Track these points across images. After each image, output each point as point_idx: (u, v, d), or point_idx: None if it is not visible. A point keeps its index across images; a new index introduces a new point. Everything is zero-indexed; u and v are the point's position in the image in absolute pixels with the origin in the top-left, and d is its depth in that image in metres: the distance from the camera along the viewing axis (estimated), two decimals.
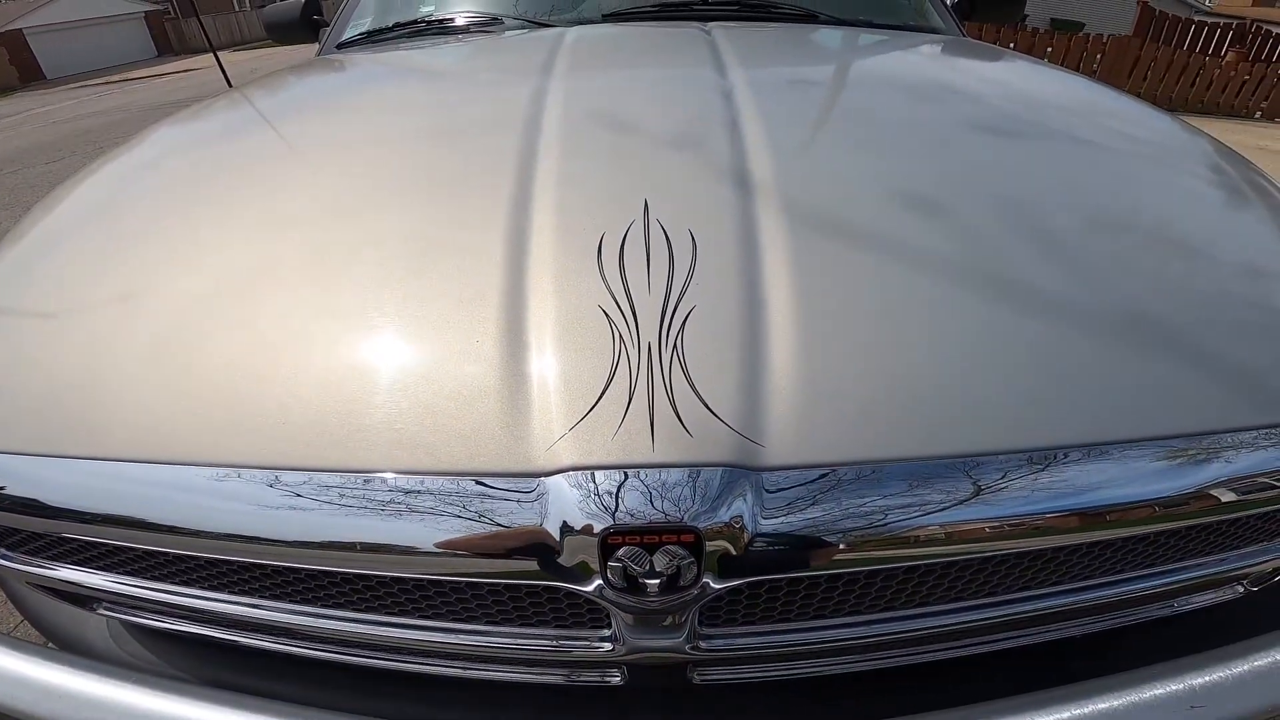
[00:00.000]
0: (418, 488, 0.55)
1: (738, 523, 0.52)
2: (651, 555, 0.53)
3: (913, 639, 0.66)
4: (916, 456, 0.55)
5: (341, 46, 1.68)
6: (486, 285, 0.65)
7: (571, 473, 0.53)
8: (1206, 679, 0.55)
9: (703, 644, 0.61)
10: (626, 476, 0.52)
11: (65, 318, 0.75)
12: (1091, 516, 0.58)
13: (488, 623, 0.64)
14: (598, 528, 0.52)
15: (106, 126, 10.54)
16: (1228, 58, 7.88)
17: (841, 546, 0.54)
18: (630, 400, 0.54)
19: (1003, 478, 0.56)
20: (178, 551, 0.64)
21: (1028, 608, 0.66)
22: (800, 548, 0.55)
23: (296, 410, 0.60)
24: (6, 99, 19.97)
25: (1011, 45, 7.44)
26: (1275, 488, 0.62)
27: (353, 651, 0.70)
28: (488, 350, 0.60)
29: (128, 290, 0.76)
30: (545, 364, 0.58)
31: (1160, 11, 9.16)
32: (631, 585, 0.54)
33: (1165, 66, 7.39)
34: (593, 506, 0.52)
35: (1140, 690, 0.55)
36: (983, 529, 0.57)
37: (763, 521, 0.53)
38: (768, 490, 0.54)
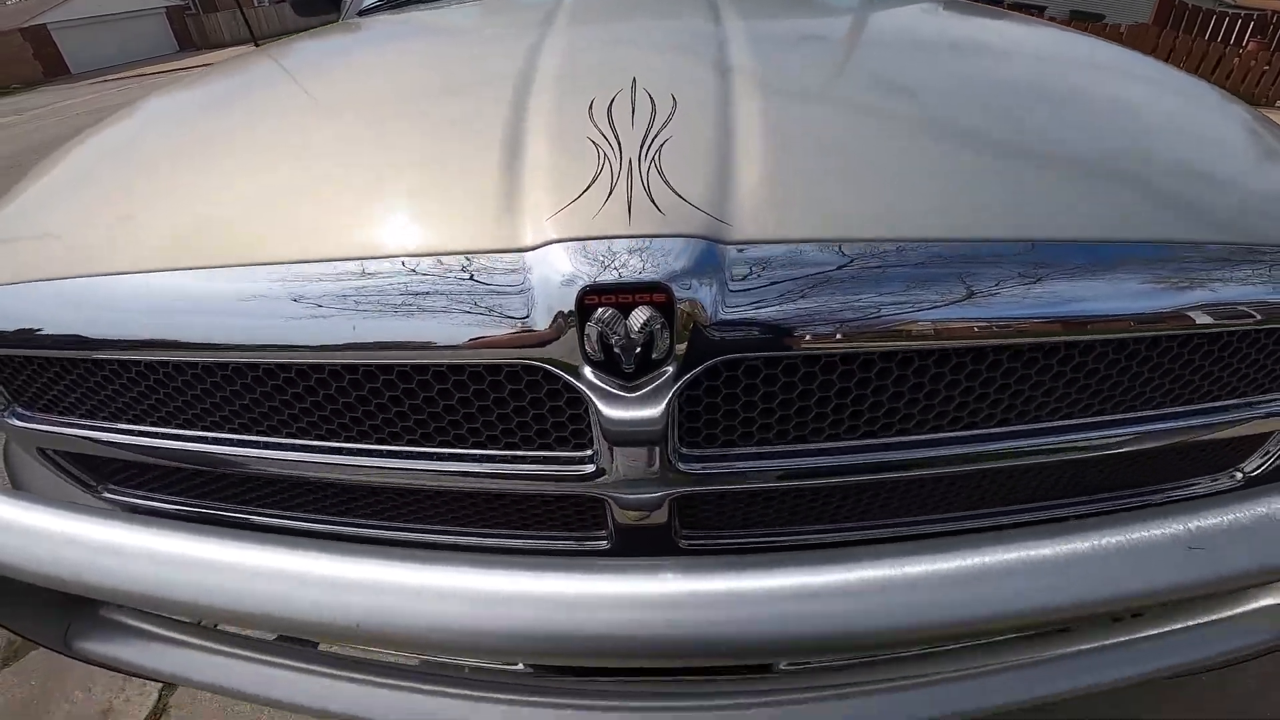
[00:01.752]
0: (428, 268, 0.60)
1: (706, 284, 0.56)
2: (626, 317, 0.55)
3: (894, 467, 0.66)
4: (865, 239, 0.59)
5: (362, 14, 1.68)
6: (490, 122, 0.73)
7: (554, 244, 0.58)
8: (1206, 522, 0.55)
9: (681, 465, 0.64)
10: (604, 245, 0.57)
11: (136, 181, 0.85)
12: (1050, 312, 0.59)
13: (474, 446, 0.67)
14: (577, 287, 0.55)
15: None
16: (1248, 47, 7.73)
17: (805, 321, 0.57)
18: (610, 193, 0.59)
19: (945, 265, 0.59)
20: (195, 386, 0.70)
21: (1015, 443, 0.67)
22: (766, 322, 0.57)
23: (317, 210, 0.69)
24: (32, 92, 20.19)
25: None
26: (1248, 315, 0.63)
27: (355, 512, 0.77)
28: (487, 161, 0.67)
29: (173, 149, 0.91)
30: (538, 171, 0.64)
31: (1180, 1, 8.97)
32: (609, 360, 0.57)
33: (1184, 55, 7.25)
34: (572, 268, 0.56)
35: (1141, 529, 0.55)
36: (934, 316, 0.59)
37: (730, 290, 0.57)
38: (734, 261, 0.57)
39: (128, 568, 0.62)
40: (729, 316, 0.57)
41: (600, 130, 0.67)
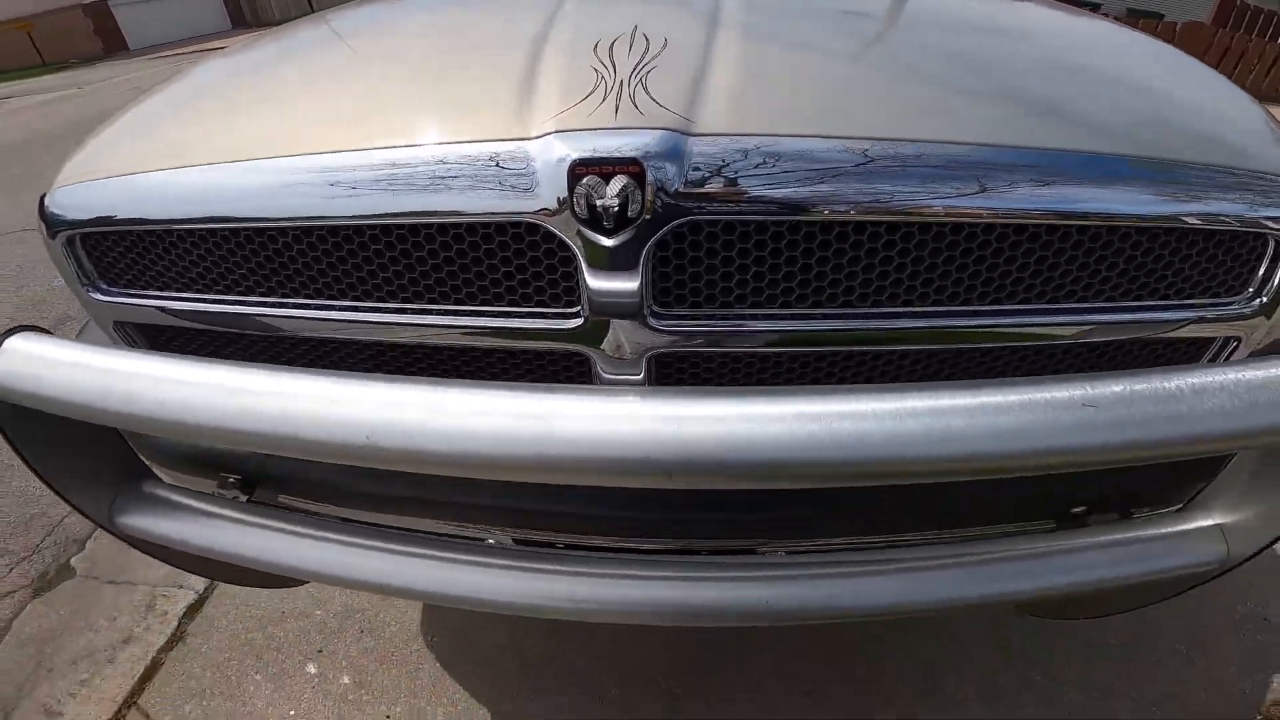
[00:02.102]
0: (460, 153, 0.74)
1: (671, 163, 0.69)
2: (607, 184, 0.69)
3: (827, 334, 0.78)
4: (804, 134, 0.73)
5: None
6: (514, 53, 0.87)
7: (554, 135, 0.71)
8: (1102, 389, 0.61)
9: (655, 321, 0.76)
10: (592, 135, 0.70)
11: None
12: (972, 201, 0.71)
13: (486, 303, 0.80)
14: (570, 161, 0.69)
15: None
16: None
17: (748, 194, 0.70)
18: (602, 102, 0.73)
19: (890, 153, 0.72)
20: (254, 257, 0.84)
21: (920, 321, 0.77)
22: (718, 194, 0.70)
23: (368, 112, 0.85)
24: (91, 67, 20.85)
25: None
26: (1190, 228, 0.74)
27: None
28: (509, 80, 0.81)
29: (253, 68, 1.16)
30: (547, 86, 0.78)
31: (1242, 1, 8.56)
32: (593, 218, 0.70)
33: (1239, 55, 6.94)
34: (566, 150, 0.70)
35: (1041, 390, 0.62)
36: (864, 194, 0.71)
37: (690, 168, 0.70)
38: (693, 148, 0.70)
39: (180, 393, 0.71)
40: (688, 190, 0.70)
41: (601, 61, 0.80)
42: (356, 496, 0.95)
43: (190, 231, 0.84)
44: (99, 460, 0.92)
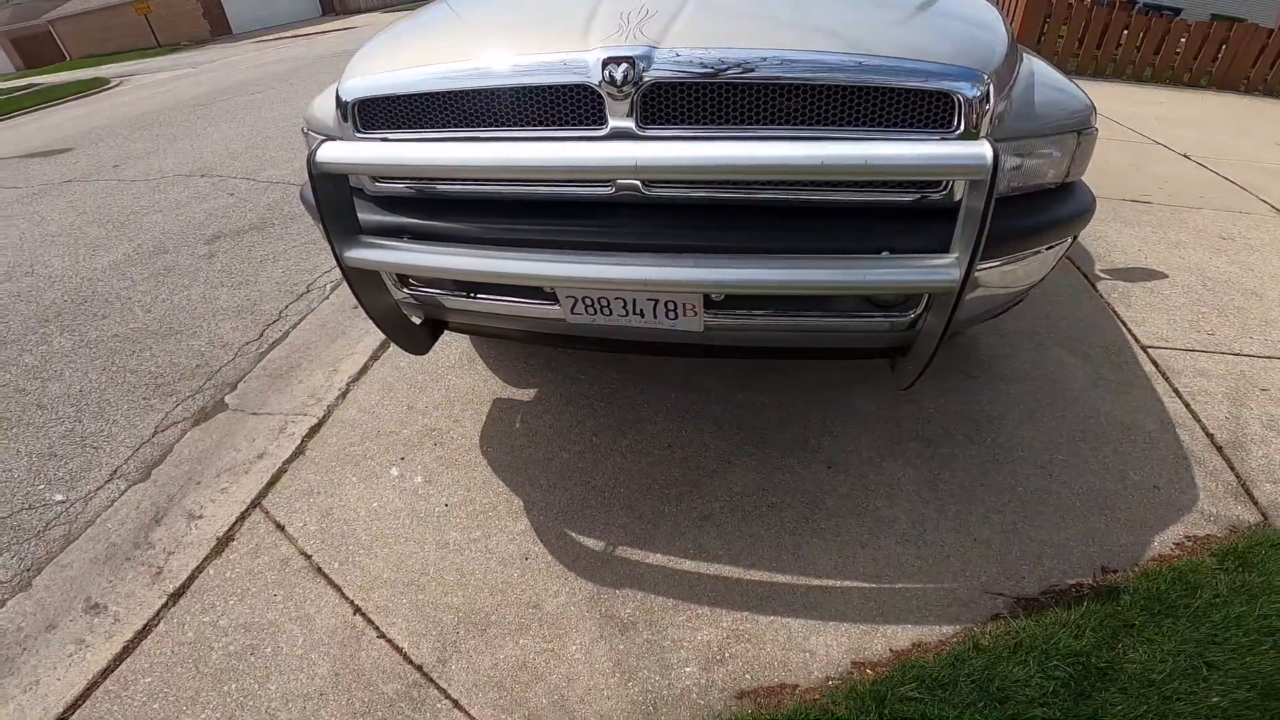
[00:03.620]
0: (555, 58, 1.33)
1: (649, 60, 1.25)
2: (619, 65, 1.25)
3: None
4: (707, 46, 1.26)
5: None
6: (578, 12, 1.45)
7: (597, 49, 1.29)
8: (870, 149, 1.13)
9: (645, 131, 1.30)
10: (615, 51, 1.27)
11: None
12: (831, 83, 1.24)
13: (565, 124, 1.37)
14: (604, 57, 1.27)
15: (290, 71, 11.76)
16: None
17: (690, 69, 1.25)
18: (618, 34, 1.32)
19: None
20: (442, 110, 1.45)
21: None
22: (669, 72, 1.25)
23: (497, 43, 1.48)
24: (201, 49, 22.41)
25: (1143, 34, 8.05)
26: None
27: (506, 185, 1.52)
28: (574, 27, 1.39)
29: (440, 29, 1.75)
30: (593, 30, 1.36)
31: None
32: (614, 83, 1.26)
33: None
34: (603, 54, 1.27)
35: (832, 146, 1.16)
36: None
37: (655, 62, 1.25)
38: (657, 54, 1.26)
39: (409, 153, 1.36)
40: (653, 70, 1.26)
41: (623, 18, 1.36)
42: (452, 237, 1.51)
43: (399, 98, 1.47)
44: (345, 220, 1.48)
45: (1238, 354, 2.36)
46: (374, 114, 1.52)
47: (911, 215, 1.32)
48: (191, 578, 1.73)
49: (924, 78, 1.20)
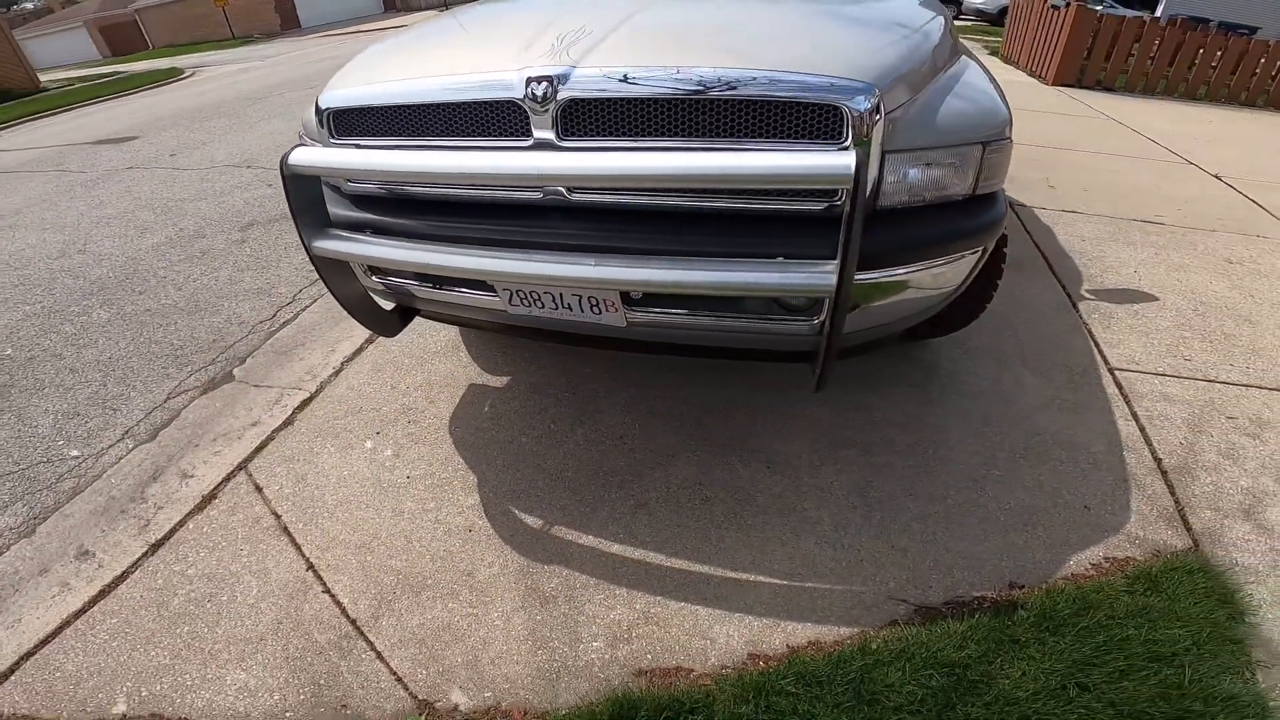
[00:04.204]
0: (489, 77, 1.46)
1: (566, 79, 1.37)
2: (540, 86, 1.38)
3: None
4: (617, 66, 1.38)
5: None
6: (520, 35, 1.61)
7: (526, 69, 1.41)
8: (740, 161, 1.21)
9: (564, 142, 1.41)
10: (539, 70, 1.40)
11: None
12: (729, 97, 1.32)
13: (496, 135, 1.49)
14: (526, 76, 1.40)
15: (340, 69, 12.26)
16: None
17: (598, 85, 1.36)
18: (545, 55, 1.45)
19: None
20: (402, 119, 1.60)
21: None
22: (582, 92, 1.37)
23: (450, 61, 1.65)
24: (270, 42, 23.49)
25: (1158, 41, 7.94)
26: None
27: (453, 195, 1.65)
28: (515, 47, 1.53)
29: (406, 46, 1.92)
30: (528, 52, 1.48)
31: None
32: (534, 99, 1.38)
33: None
34: (525, 76, 1.40)
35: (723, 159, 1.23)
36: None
37: (573, 81, 1.37)
38: (578, 74, 1.37)
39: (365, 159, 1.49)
40: (570, 89, 1.37)
41: (559, 40, 1.49)
42: (414, 235, 1.63)
43: (364, 110, 1.63)
44: (316, 214, 1.65)
45: (1211, 380, 2.30)
46: (345, 123, 1.67)
47: (818, 224, 1.38)
48: (173, 531, 1.91)
49: (808, 91, 1.26)
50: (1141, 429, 2.05)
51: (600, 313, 1.51)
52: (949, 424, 2.09)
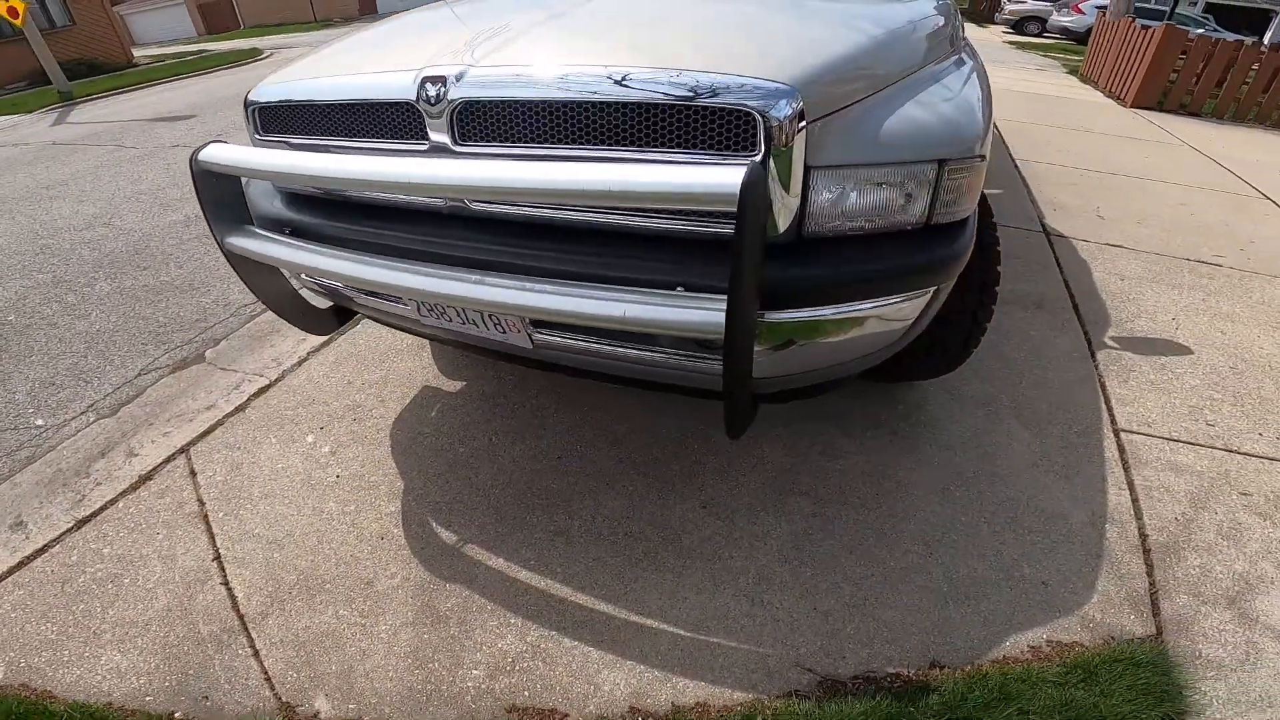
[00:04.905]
0: (393, 77, 1.39)
1: (462, 79, 1.29)
2: (434, 87, 1.30)
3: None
4: (507, 65, 1.31)
5: None
6: (432, 35, 1.63)
7: (422, 69, 1.34)
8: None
9: (459, 147, 1.33)
10: (430, 73, 1.32)
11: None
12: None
13: (398, 136, 1.42)
14: (420, 77, 1.32)
15: None
16: None
17: (495, 87, 1.27)
18: (455, 59, 1.35)
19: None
20: (323, 118, 1.54)
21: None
22: (478, 92, 1.27)
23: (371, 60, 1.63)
24: (348, 26, 24.58)
25: (1255, 66, 7.41)
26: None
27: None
28: (426, 45, 1.49)
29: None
30: (441, 50, 1.40)
31: None
32: (428, 101, 1.31)
33: None
34: (419, 76, 1.32)
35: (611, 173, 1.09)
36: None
37: (468, 81, 1.28)
38: (473, 75, 1.29)
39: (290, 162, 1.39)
40: (464, 91, 1.28)
41: (471, 39, 1.42)
42: (329, 238, 1.57)
43: (283, 107, 1.59)
44: (233, 210, 1.60)
45: (1232, 450, 2.04)
46: (269, 120, 1.65)
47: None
48: (103, 508, 1.94)
49: (716, 94, 1.11)
50: (1134, 500, 1.83)
51: (504, 332, 1.43)
52: (916, 478, 1.92)
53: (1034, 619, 1.50)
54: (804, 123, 1.13)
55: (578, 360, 1.50)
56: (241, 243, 1.56)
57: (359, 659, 1.49)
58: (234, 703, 1.42)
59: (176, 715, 1.41)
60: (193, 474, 2.06)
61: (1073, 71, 10.50)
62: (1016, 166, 4.96)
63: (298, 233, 1.61)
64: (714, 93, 1.11)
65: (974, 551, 1.68)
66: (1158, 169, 5.16)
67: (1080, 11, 16.10)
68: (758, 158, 1.11)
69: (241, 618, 1.59)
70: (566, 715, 1.38)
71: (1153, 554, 1.66)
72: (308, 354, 2.63)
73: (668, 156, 1.17)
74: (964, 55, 1.99)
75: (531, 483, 1.95)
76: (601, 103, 1.18)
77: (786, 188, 1.14)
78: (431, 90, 1.28)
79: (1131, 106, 7.61)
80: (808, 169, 1.17)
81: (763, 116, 1.09)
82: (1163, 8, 14.36)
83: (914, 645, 1.46)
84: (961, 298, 1.73)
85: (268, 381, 2.47)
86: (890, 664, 1.43)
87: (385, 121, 1.41)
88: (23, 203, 4.78)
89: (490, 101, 1.27)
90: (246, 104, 1.65)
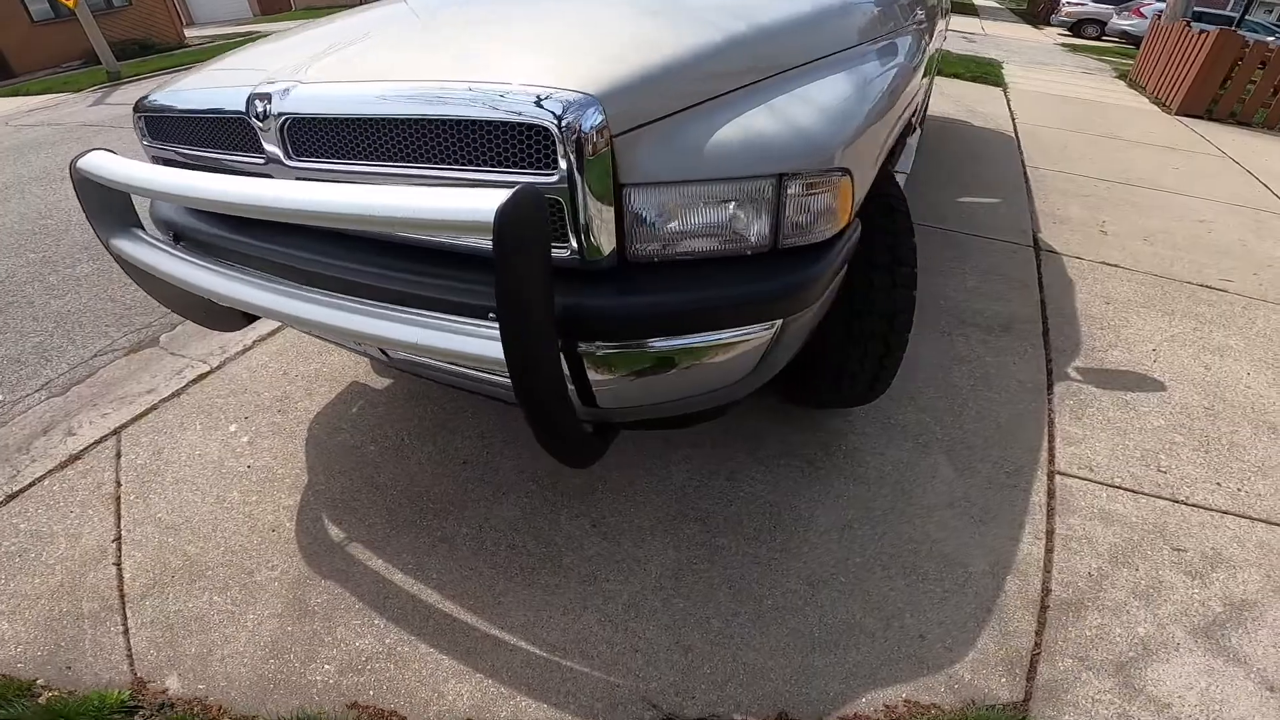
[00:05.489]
0: (222, 94, 1.39)
1: (284, 95, 1.24)
2: (259, 103, 1.26)
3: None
4: (328, 80, 1.25)
5: None
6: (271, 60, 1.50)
7: (253, 88, 1.29)
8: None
9: (292, 163, 1.29)
10: (259, 90, 1.28)
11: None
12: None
13: (239, 149, 1.40)
14: (249, 93, 1.28)
15: None
16: None
17: (317, 104, 1.22)
18: (293, 74, 1.30)
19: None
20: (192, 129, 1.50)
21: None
22: (301, 108, 1.23)
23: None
24: None
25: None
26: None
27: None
28: (269, 69, 1.39)
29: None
30: (267, 78, 1.33)
31: None
32: (258, 116, 1.28)
33: None
34: (249, 92, 1.28)
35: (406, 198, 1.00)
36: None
37: (290, 95, 1.24)
38: (295, 93, 1.24)
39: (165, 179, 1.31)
40: (286, 107, 1.24)
41: (323, 51, 1.39)
42: (210, 249, 1.55)
43: (159, 117, 1.55)
44: (117, 213, 1.58)
45: (1179, 501, 1.88)
46: (154, 128, 1.63)
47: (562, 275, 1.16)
48: (31, 485, 2.00)
49: (511, 108, 1.03)
50: (1049, 551, 1.70)
51: (359, 343, 1.41)
52: (819, 512, 1.82)
53: (900, 675, 1.41)
54: (604, 137, 1.02)
55: (429, 375, 1.46)
56: (124, 246, 1.56)
57: (220, 644, 1.52)
58: (92, 674, 1.47)
59: (39, 682, 1.47)
60: (118, 456, 2.11)
61: (1122, 76, 9.89)
62: (1025, 174, 4.70)
63: (182, 237, 1.60)
64: (512, 107, 1.03)
65: (859, 596, 1.59)
66: (1184, 181, 4.81)
67: (1141, 15, 15.21)
68: (553, 177, 1.04)
69: (123, 597, 1.63)
70: (405, 717, 1.37)
71: (1050, 611, 1.54)
72: (253, 343, 2.66)
73: (486, 175, 1.10)
74: (897, 43, 1.86)
75: (431, 486, 1.93)
76: (414, 120, 1.12)
77: (599, 207, 1.05)
78: (259, 106, 1.25)
79: (1177, 114, 7.12)
80: (621, 187, 1.07)
81: (560, 130, 1.00)
82: (1234, 14, 13.44)
83: (768, 692, 1.39)
84: (859, 322, 1.62)
85: (209, 368, 2.51)
86: (737, 709, 1.36)
87: (233, 136, 1.39)
88: (36, 184, 4.98)
89: (314, 118, 1.22)
90: (134, 110, 1.64)
